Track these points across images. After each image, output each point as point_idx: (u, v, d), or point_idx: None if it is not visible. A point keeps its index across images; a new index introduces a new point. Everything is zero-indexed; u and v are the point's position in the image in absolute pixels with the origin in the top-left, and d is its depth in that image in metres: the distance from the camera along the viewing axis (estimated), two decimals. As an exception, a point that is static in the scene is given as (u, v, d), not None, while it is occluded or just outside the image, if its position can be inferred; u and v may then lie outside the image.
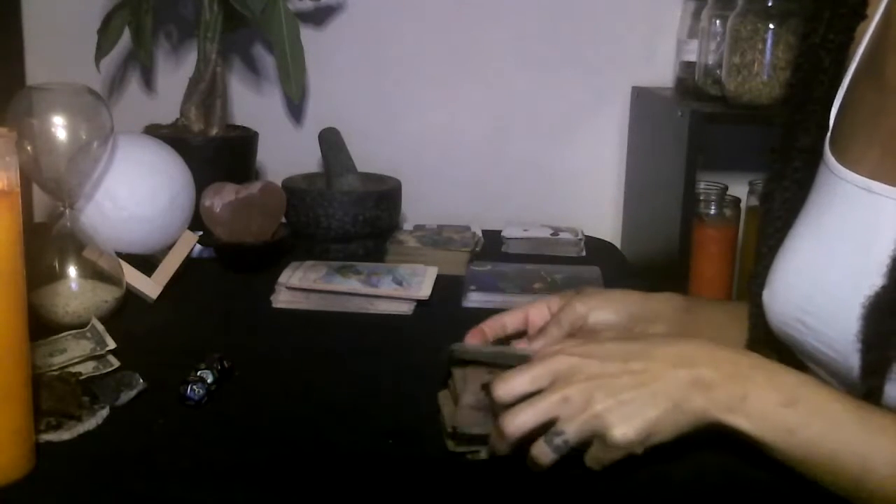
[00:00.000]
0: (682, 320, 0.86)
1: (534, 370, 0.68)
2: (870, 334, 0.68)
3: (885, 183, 0.71)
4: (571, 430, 0.65)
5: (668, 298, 0.88)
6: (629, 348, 0.69)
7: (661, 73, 1.50)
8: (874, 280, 0.68)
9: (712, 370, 0.67)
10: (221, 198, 1.23)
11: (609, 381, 0.66)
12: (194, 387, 0.80)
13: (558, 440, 0.65)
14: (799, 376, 0.67)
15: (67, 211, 1.01)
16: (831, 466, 0.64)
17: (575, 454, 0.67)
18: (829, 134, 0.80)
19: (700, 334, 0.84)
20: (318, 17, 1.52)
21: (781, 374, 0.67)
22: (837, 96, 0.80)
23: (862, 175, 0.74)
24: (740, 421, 0.65)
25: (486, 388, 0.70)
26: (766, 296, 0.80)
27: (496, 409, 0.68)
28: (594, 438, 0.66)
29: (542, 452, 0.66)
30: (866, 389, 0.68)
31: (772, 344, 0.83)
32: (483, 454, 0.71)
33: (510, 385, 0.68)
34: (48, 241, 1.01)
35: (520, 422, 0.66)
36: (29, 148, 0.97)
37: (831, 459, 0.64)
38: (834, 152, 0.78)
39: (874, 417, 0.64)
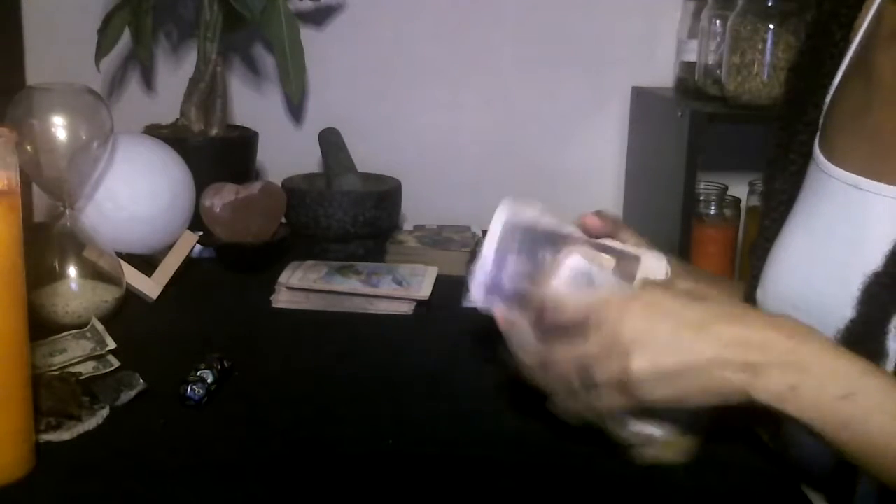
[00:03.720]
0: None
1: (594, 309, 0.66)
2: (862, 316, 0.69)
3: (873, 179, 0.72)
4: (601, 378, 0.65)
5: (690, 269, 0.90)
6: (687, 315, 0.65)
7: (661, 73, 1.51)
8: (863, 275, 0.69)
9: (765, 355, 0.62)
10: (221, 198, 1.23)
11: (653, 342, 0.64)
12: (194, 387, 0.80)
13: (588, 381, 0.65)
14: (864, 365, 0.62)
15: (67, 211, 1.01)
16: (884, 461, 0.60)
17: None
18: (818, 132, 0.80)
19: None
20: (318, 17, 1.52)
21: (845, 362, 0.62)
22: (828, 94, 0.80)
23: (850, 172, 0.74)
24: (788, 408, 0.62)
25: None
26: (760, 293, 0.81)
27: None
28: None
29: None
30: None
31: None
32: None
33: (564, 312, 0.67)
34: (48, 241, 1.01)
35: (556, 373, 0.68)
36: (29, 148, 0.97)
37: (885, 454, 0.60)
38: (823, 149, 0.78)
39: None
